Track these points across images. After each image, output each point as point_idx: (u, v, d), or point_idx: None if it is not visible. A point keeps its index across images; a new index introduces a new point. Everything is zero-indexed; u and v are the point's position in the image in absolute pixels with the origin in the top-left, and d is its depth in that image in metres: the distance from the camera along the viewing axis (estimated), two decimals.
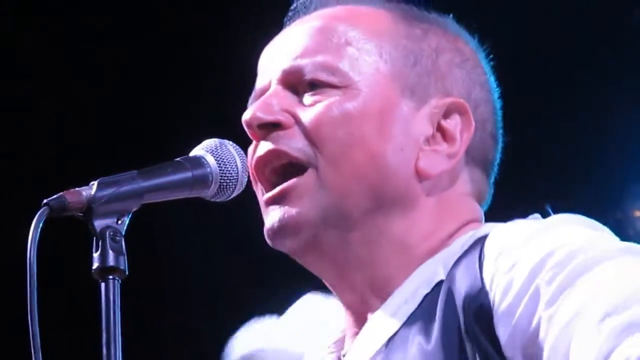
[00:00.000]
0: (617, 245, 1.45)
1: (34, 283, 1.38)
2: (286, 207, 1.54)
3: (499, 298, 1.42)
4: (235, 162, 1.54)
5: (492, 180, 1.66)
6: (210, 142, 1.54)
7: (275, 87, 1.56)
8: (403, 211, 1.56)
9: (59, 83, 3.83)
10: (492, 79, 1.65)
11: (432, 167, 1.55)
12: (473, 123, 1.57)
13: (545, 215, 1.54)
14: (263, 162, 1.55)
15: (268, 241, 1.56)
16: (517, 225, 1.50)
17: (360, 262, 1.56)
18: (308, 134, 1.53)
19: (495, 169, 1.66)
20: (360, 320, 1.58)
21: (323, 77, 1.54)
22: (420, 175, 1.55)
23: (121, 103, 3.84)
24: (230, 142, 1.54)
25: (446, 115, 1.56)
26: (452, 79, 1.59)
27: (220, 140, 1.55)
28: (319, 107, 1.53)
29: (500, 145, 1.66)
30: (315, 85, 1.55)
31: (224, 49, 3.45)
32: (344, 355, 1.58)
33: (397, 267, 1.56)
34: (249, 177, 1.56)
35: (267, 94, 1.56)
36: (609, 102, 3.50)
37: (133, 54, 3.81)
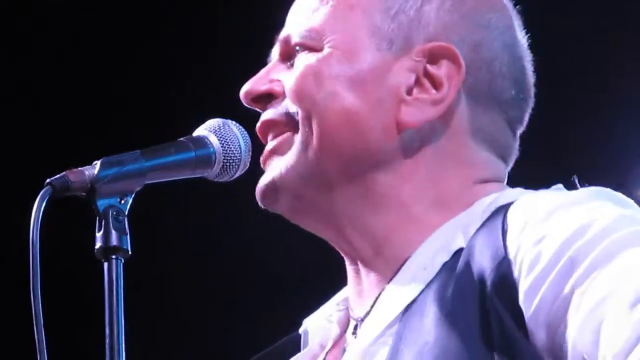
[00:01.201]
0: None
1: (36, 263, 1.39)
2: (268, 171, 1.56)
3: (525, 271, 1.40)
4: (239, 142, 1.54)
5: (515, 129, 1.62)
6: (213, 122, 1.55)
7: (275, 58, 1.60)
8: (388, 166, 1.54)
9: (60, 58, 3.84)
10: (503, 17, 1.61)
11: (413, 116, 1.53)
12: (463, 66, 1.53)
13: (570, 187, 1.53)
14: (262, 133, 1.58)
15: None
16: (544, 196, 1.48)
17: (354, 222, 1.56)
18: (289, 97, 1.55)
19: (520, 116, 1.62)
20: (365, 280, 1.58)
21: (303, 40, 1.56)
22: (401, 127, 1.53)
23: (125, 84, 3.86)
24: (234, 122, 1.55)
25: (433, 61, 1.54)
26: (439, 25, 1.57)
27: (224, 120, 1.55)
28: (295, 71, 1.55)
29: (525, 90, 1.62)
30: (299, 50, 1.57)
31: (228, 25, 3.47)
32: (361, 320, 1.58)
33: (400, 227, 1.56)
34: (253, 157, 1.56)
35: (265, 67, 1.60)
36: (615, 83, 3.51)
37: (135, 34, 3.82)
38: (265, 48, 1.63)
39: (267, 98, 1.58)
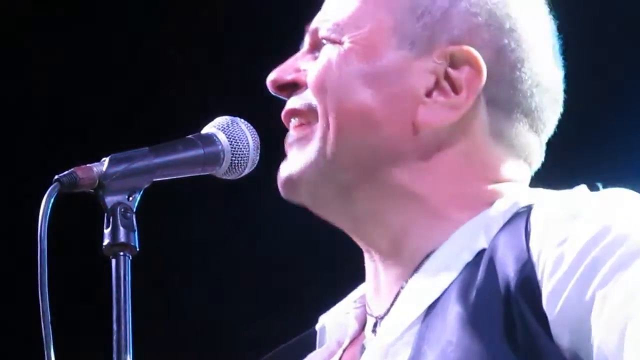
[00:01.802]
0: None
1: (44, 259, 1.41)
2: (288, 162, 1.61)
3: (549, 272, 1.43)
4: (247, 139, 1.57)
5: (542, 135, 1.65)
6: (222, 120, 1.57)
7: (304, 47, 1.64)
8: (405, 163, 1.58)
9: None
10: (533, 22, 1.63)
11: (430, 118, 1.57)
12: (483, 71, 1.56)
13: (593, 189, 1.55)
14: (287, 120, 1.62)
15: None
16: (568, 197, 1.52)
17: (371, 216, 1.60)
18: (310, 89, 1.60)
19: (546, 121, 1.65)
20: (383, 276, 1.61)
21: (328, 34, 1.60)
22: (418, 127, 1.57)
23: (135, 78, 3.90)
24: (242, 120, 1.58)
25: (454, 65, 1.57)
26: (463, 28, 1.59)
27: (232, 117, 1.58)
28: (317, 64, 1.60)
29: (553, 94, 1.65)
30: (324, 42, 1.61)
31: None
32: (381, 318, 1.60)
33: (418, 222, 1.59)
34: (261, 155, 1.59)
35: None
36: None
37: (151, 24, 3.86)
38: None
39: (293, 87, 1.62)
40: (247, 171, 1.58)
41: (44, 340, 1.39)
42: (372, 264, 1.61)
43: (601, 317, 1.38)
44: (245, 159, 1.57)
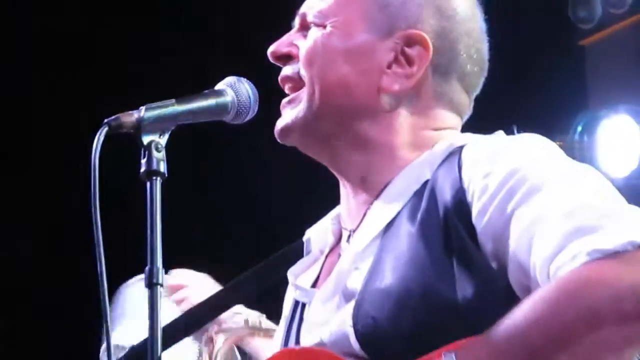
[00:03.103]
0: (568, 165, 1.69)
1: (96, 186, 1.61)
2: (282, 118, 1.87)
3: (477, 197, 1.67)
4: (249, 94, 1.79)
5: (471, 94, 1.90)
6: (229, 79, 1.78)
7: (295, 27, 1.92)
8: (371, 119, 1.84)
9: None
10: (466, 9, 1.89)
11: (391, 85, 1.83)
12: (430, 49, 1.83)
13: (509, 133, 1.81)
14: (282, 83, 1.89)
15: None
16: (490, 140, 1.77)
17: (346, 158, 1.86)
18: (300, 62, 1.86)
19: (475, 84, 1.91)
20: (353, 201, 1.87)
21: (313, 20, 1.88)
22: (382, 91, 1.83)
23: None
24: (245, 79, 1.79)
25: (408, 44, 1.84)
26: (416, 16, 1.85)
27: (238, 77, 1.80)
28: (307, 42, 1.87)
29: (480, 64, 1.90)
30: (311, 25, 1.88)
31: None
32: (353, 231, 1.85)
33: (381, 162, 1.84)
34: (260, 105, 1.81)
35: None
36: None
37: None
38: None
39: (287, 58, 1.90)
40: (249, 118, 1.80)
41: (96, 249, 1.59)
42: (345, 190, 1.88)
43: (515, 231, 1.63)
44: (247, 108, 1.79)
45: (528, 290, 1.60)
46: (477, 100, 1.92)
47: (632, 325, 1.48)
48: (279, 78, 1.90)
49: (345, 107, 1.84)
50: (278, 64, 1.91)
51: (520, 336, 1.51)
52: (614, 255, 1.51)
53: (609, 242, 1.52)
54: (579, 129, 4.44)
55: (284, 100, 1.88)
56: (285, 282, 1.97)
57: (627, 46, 4.66)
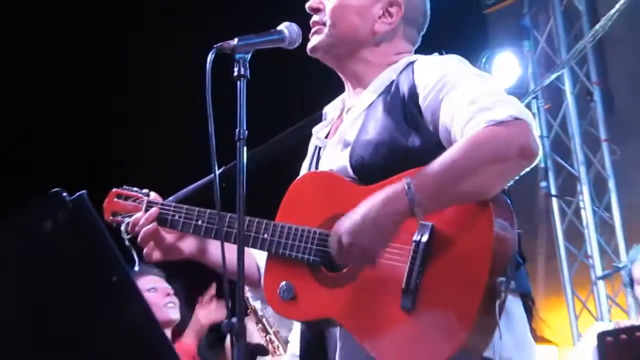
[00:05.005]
0: (476, 71, 2.53)
1: (209, 91, 2.28)
2: (312, 40, 2.81)
3: (422, 89, 2.51)
4: (296, 32, 2.65)
5: (420, 33, 2.82)
6: (286, 23, 2.65)
7: None
8: (367, 48, 2.77)
9: None
10: None
11: (379, 29, 2.76)
12: (402, 9, 2.73)
13: (441, 53, 2.69)
14: (312, 26, 2.78)
15: None
16: (430, 58, 2.64)
17: (349, 69, 2.82)
18: (327, 14, 2.77)
19: (422, 28, 2.81)
20: (352, 91, 2.76)
21: None
22: (374, 33, 2.76)
23: None
24: (294, 24, 2.63)
25: (391, 5, 2.78)
26: None
27: (290, 22, 2.64)
28: (331, 3, 2.76)
29: (425, 16, 2.79)
30: None
31: None
32: (350, 108, 2.78)
33: (371, 71, 2.74)
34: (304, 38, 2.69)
35: None
36: None
37: None
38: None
39: (316, 10, 2.80)
40: (296, 45, 2.65)
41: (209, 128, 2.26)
42: (347, 84, 2.83)
43: (444, 109, 2.50)
44: (295, 41, 2.63)
45: (450, 144, 2.48)
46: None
47: (506, 161, 2.35)
48: (310, 22, 2.81)
49: (351, 40, 2.77)
50: (311, 13, 2.82)
51: (442, 165, 2.38)
52: (500, 123, 2.36)
53: (499, 115, 2.38)
54: (483, 60, 7.97)
55: (313, 31, 2.75)
56: (309, 136, 2.90)
57: (516, 13, 8.30)
